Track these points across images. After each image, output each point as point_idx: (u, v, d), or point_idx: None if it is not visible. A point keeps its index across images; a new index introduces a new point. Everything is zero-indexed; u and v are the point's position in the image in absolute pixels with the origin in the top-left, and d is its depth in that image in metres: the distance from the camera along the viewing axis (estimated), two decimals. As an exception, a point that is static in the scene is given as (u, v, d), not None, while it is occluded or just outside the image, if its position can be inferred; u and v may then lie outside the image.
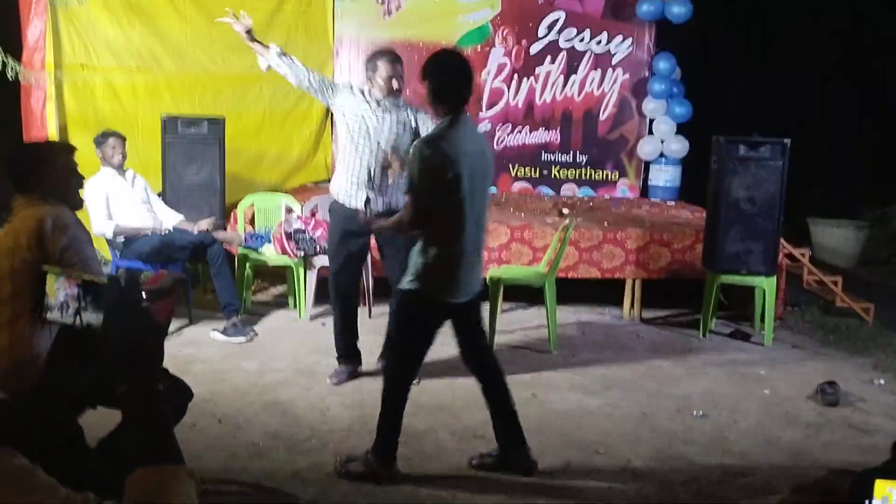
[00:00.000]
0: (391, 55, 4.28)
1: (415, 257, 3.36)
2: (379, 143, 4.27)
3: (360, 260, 4.64)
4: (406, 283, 3.39)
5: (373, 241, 4.58)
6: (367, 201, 4.06)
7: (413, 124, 4.34)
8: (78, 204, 3.05)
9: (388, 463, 3.42)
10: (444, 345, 4.77)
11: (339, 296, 4.52)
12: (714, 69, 8.84)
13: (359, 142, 4.29)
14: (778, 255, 5.67)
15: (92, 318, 2.48)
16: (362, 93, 4.32)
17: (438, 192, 3.22)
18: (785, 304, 6.12)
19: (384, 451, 3.42)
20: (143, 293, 3.15)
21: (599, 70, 8.02)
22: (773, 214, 5.50)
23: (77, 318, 2.46)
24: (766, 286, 5.55)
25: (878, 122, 9.67)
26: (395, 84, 4.21)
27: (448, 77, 3.31)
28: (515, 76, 8.05)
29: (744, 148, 5.50)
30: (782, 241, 5.89)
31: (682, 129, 7.91)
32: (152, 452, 1.46)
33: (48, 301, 2.49)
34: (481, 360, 3.60)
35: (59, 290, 2.53)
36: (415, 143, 3.71)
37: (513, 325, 5.73)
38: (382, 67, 4.20)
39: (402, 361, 3.48)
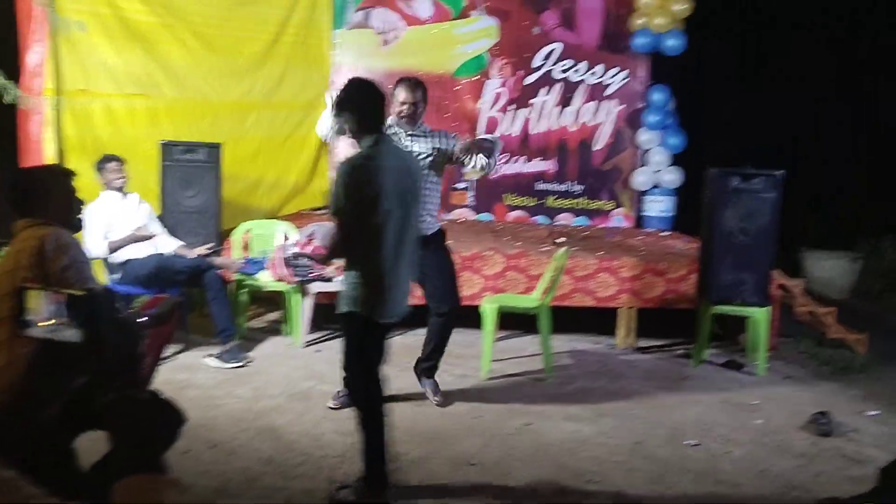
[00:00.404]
0: (408, 81, 4.39)
1: (346, 279, 3.42)
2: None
3: None
4: (341, 306, 3.44)
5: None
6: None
7: (445, 147, 4.38)
8: (78, 226, 3.09)
9: (380, 491, 3.41)
10: (443, 372, 4.80)
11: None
12: (708, 101, 8.93)
13: None
14: (771, 285, 5.71)
15: (72, 332, 2.50)
16: (395, 127, 4.36)
17: (360, 210, 3.28)
18: (778, 334, 6.14)
19: (375, 478, 3.41)
20: (144, 317, 3.18)
21: (594, 101, 8.12)
22: (767, 245, 5.54)
23: (56, 331, 2.48)
24: (760, 317, 5.58)
25: (872, 154, 9.76)
26: (407, 109, 4.27)
27: (371, 103, 3.40)
28: (511, 106, 8.14)
29: (737, 180, 5.56)
30: (776, 272, 5.92)
31: (676, 160, 8.00)
32: (138, 461, 1.48)
33: (28, 317, 2.51)
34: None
35: (44, 305, 2.55)
36: (338, 165, 3.64)
37: (508, 353, 5.74)
38: (398, 92, 4.32)
39: (366, 383, 3.49)
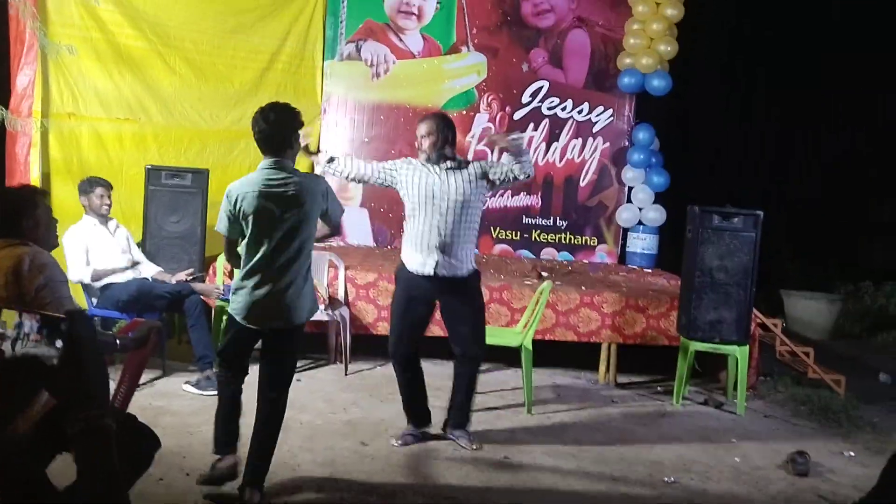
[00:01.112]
0: (432, 116, 4.38)
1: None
2: (447, 204, 4.24)
3: (421, 328, 4.51)
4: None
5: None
6: (331, 160, 4.38)
7: (479, 172, 4.30)
8: (54, 244, 3.09)
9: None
10: (432, 407, 4.79)
11: (399, 366, 4.47)
12: (692, 141, 9.07)
13: (426, 207, 4.26)
14: (751, 324, 5.75)
15: (48, 350, 2.49)
16: (427, 161, 4.32)
17: (234, 226, 3.58)
18: (758, 373, 6.18)
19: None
20: (119, 341, 3.17)
21: (580, 138, 8.20)
22: (746, 284, 5.60)
23: (32, 349, 2.48)
24: (739, 355, 5.61)
25: (854, 198, 9.91)
26: (427, 141, 4.26)
27: (268, 125, 3.55)
28: (498, 141, 8.21)
29: (717, 218, 5.63)
30: (755, 310, 5.97)
31: (659, 199, 8.07)
32: (103, 493, 1.47)
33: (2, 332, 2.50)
34: (265, 393, 3.77)
35: (19, 324, 2.55)
36: None
37: (489, 387, 5.73)
38: (420, 128, 4.32)
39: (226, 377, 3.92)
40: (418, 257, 4.31)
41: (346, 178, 4.46)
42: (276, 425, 3.73)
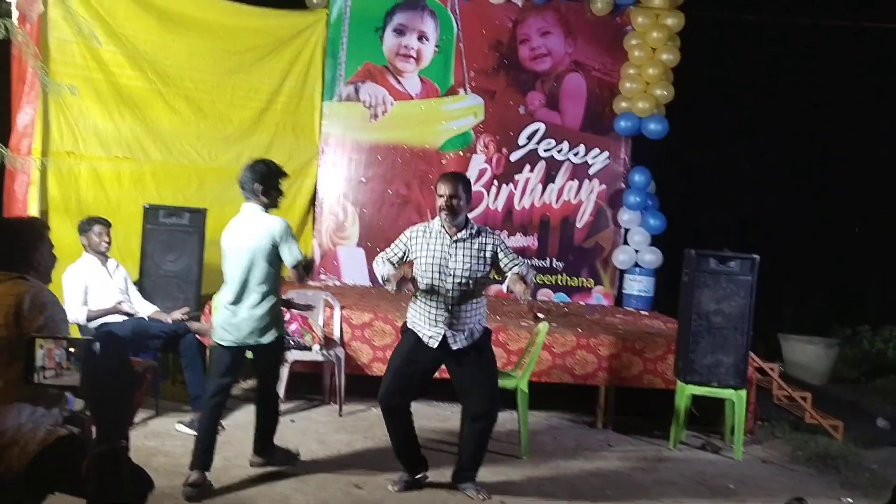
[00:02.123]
0: (450, 175, 4.33)
1: None
2: (454, 279, 4.21)
3: (418, 383, 4.39)
4: None
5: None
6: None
7: (490, 252, 4.26)
8: (50, 280, 3.08)
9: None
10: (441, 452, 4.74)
11: (385, 412, 4.35)
12: (688, 184, 9.12)
13: (434, 280, 4.23)
14: (748, 368, 5.73)
15: (75, 376, 2.48)
16: (442, 228, 4.29)
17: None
18: (755, 418, 6.14)
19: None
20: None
21: (577, 180, 8.26)
22: (743, 328, 5.59)
23: (60, 377, 2.47)
24: (736, 399, 5.58)
25: (851, 243, 9.95)
26: (448, 202, 4.19)
27: (253, 174, 4.41)
28: (495, 182, 8.26)
29: (714, 261, 5.64)
30: (752, 354, 5.96)
31: (656, 241, 8.10)
32: None
33: (35, 364, 2.48)
34: (260, 393, 4.59)
35: (43, 354, 2.52)
36: None
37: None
38: (440, 187, 4.25)
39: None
40: (426, 329, 4.28)
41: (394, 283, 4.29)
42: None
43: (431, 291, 4.24)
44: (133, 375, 2.68)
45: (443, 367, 4.42)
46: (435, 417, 5.88)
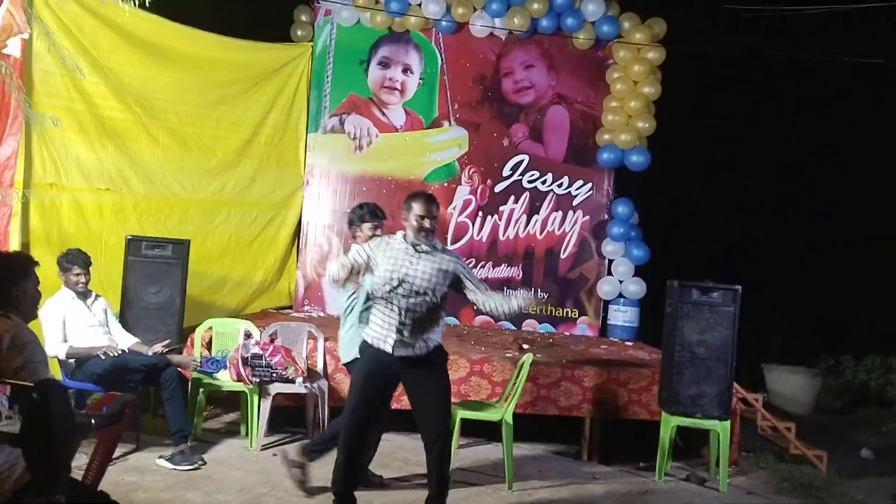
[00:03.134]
0: (425, 195, 4.33)
1: None
2: (413, 288, 4.19)
3: (381, 403, 4.44)
4: None
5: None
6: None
7: (451, 268, 4.26)
8: (34, 317, 3.04)
9: None
10: (401, 481, 4.70)
11: (344, 441, 4.31)
12: (672, 215, 9.20)
13: (394, 285, 4.20)
14: (731, 399, 5.73)
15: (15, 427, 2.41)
16: (403, 238, 4.30)
17: None
18: (740, 449, 6.12)
19: None
20: (93, 420, 3.10)
21: (560, 211, 8.30)
22: (727, 359, 5.60)
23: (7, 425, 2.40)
24: (721, 430, 5.58)
25: (833, 274, 10.03)
26: (426, 223, 4.21)
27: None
28: (480, 213, 8.29)
29: (697, 292, 5.66)
30: (736, 385, 5.96)
31: (639, 272, 8.13)
32: None
33: None
34: None
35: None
36: None
37: (469, 462, 5.64)
38: (416, 206, 4.23)
39: None
40: (380, 334, 4.26)
41: (342, 282, 4.40)
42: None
43: (391, 301, 4.21)
44: (75, 427, 2.61)
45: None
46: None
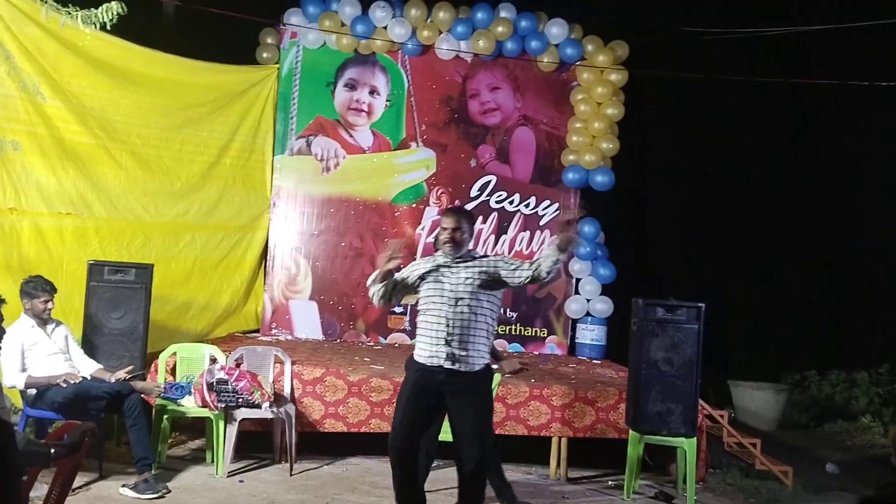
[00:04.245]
0: (452, 209, 4.48)
1: None
2: (456, 297, 4.23)
3: (424, 420, 4.36)
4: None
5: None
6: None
7: (491, 269, 4.27)
8: None
9: None
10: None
11: (394, 459, 4.27)
12: (637, 234, 9.30)
13: (436, 300, 4.26)
14: (697, 416, 5.77)
15: None
16: (445, 254, 4.34)
17: None
18: (707, 465, 6.16)
19: None
20: (52, 450, 3.04)
21: (528, 231, 8.35)
22: (692, 376, 5.64)
23: None
24: (687, 447, 5.61)
25: (798, 290, 10.18)
26: (451, 235, 4.27)
27: None
28: (447, 234, 8.30)
29: (661, 311, 5.71)
30: (702, 402, 6.01)
31: (606, 290, 8.19)
32: None
33: None
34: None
35: None
36: None
37: (439, 484, 5.59)
38: (442, 220, 4.36)
39: None
40: (427, 349, 4.28)
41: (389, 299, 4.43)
42: None
43: (434, 314, 4.25)
44: (15, 468, 2.55)
45: None
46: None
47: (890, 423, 8.18)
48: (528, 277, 4.23)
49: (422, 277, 4.35)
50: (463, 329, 4.22)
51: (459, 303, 4.23)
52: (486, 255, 4.43)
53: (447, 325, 4.22)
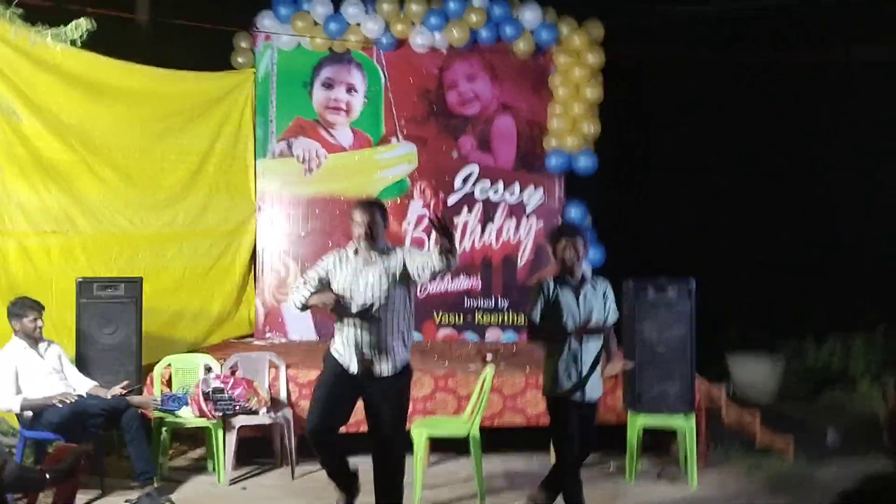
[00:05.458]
0: (365, 203, 4.43)
1: None
2: (368, 300, 4.22)
3: (343, 407, 4.38)
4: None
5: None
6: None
7: (400, 267, 4.25)
8: None
9: None
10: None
11: (316, 446, 4.37)
12: (624, 215, 9.28)
13: (350, 301, 4.23)
14: (694, 393, 5.79)
15: None
16: (354, 252, 4.34)
17: None
18: (707, 442, 6.18)
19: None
20: (48, 476, 3.04)
21: (514, 219, 8.34)
22: (687, 354, 5.66)
23: None
24: (686, 425, 5.63)
25: (791, 256, 10.19)
26: (366, 229, 4.22)
27: None
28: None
29: (652, 290, 5.72)
30: (699, 378, 6.03)
31: (596, 273, 8.17)
32: None
33: None
34: None
35: None
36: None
37: (440, 479, 5.62)
38: (356, 214, 4.30)
39: None
40: (345, 353, 4.29)
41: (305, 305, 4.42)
42: None
43: (350, 316, 4.22)
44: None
45: None
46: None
47: (888, 388, 8.21)
48: (436, 272, 4.16)
49: (333, 275, 4.31)
50: (383, 331, 4.22)
51: (375, 305, 4.21)
52: (396, 249, 4.38)
53: (366, 329, 4.22)
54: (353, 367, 4.24)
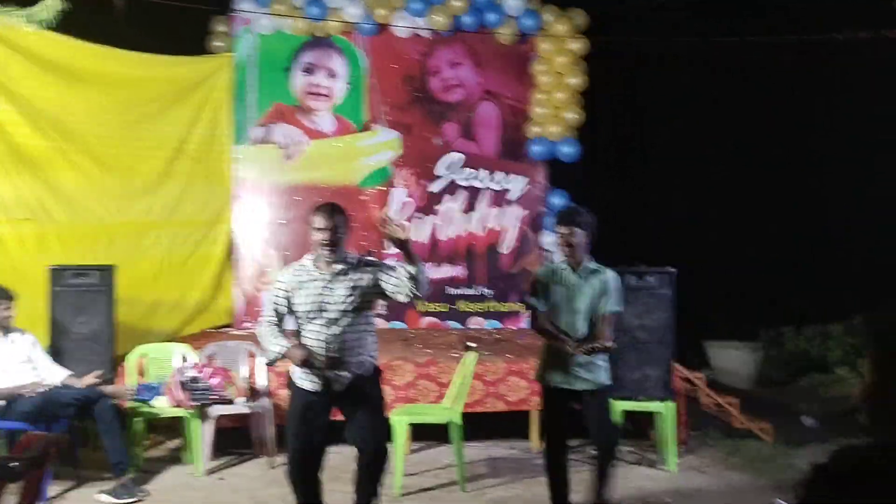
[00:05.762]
0: (327, 207, 3.95)
1: None
2: (333, 315, 3.88)
3: (323, 436, 4.05)
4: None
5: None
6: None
7: (370, 282, 3.91)
8: None
9: None
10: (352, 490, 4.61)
11: (296, 483, 4.03)
12: (606, 203, 9.25)
13: (313, 320, 3.90)
14: (674, 379, 5.79)
15: None
16: (313, 263, 3.96)
17: None
18: (687, 428, 6.19)
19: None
20: (17, 465, 2.97)
21: (498, 206, 8.30)
22: (666, 341, 5.66)
23: None
24: (665, 411, 5.63)
25: (771, 246, 10.22)
26: (327, 236, 3.84)
27: None
28: (418, 214, 8.23)
29: (634, 278, 5.70)
30: (678, 365, 6.03)
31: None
32: None
33: None
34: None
35: None
36: None
37: (422, 466, 5.59)
38: (316, 219, 3.89)
39: None
40: (308, 376, 3.97)
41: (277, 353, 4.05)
42: None
43: (311, 333, 3.92)
44: None
45: None
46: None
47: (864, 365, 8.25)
48: (410, 297, 3.85)
49: (293, 293, 3.94)
50: (345, 344, 3.91)
51: (337, 323, 3.89)
52: (364, 263, 4.00)
53: (328, 345, 3.89)
54: (319, 388, 3.94)
